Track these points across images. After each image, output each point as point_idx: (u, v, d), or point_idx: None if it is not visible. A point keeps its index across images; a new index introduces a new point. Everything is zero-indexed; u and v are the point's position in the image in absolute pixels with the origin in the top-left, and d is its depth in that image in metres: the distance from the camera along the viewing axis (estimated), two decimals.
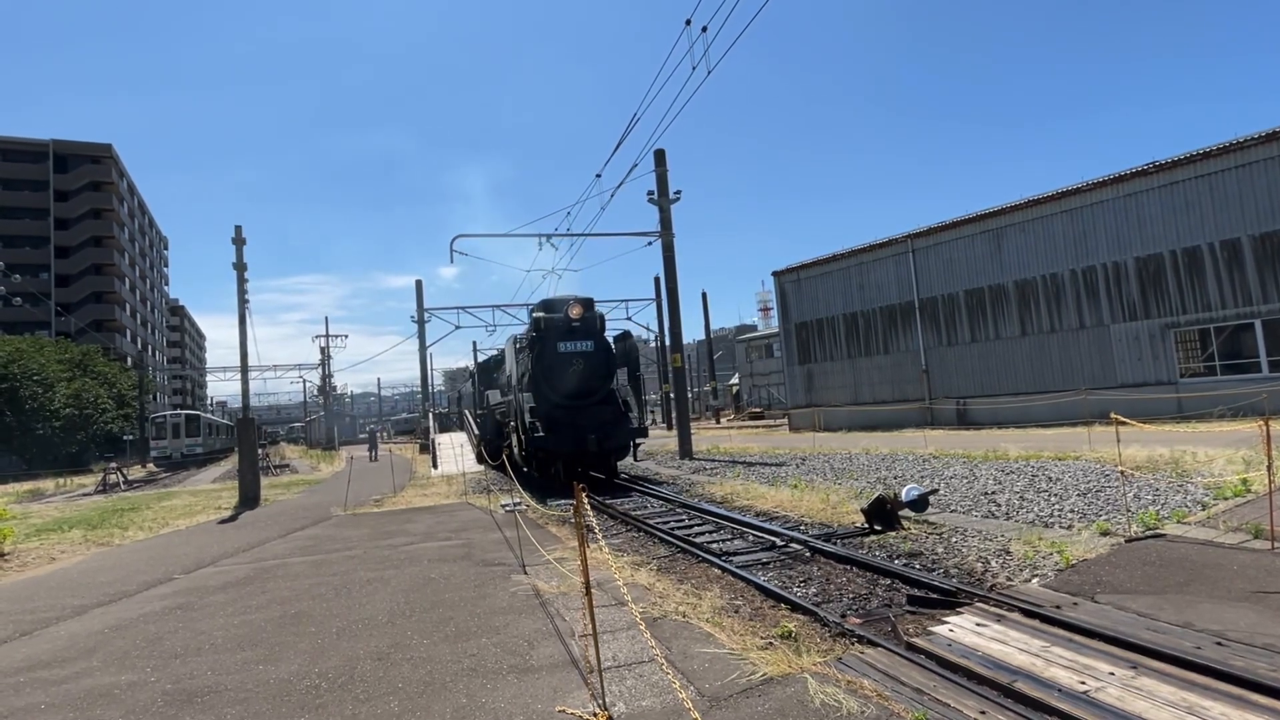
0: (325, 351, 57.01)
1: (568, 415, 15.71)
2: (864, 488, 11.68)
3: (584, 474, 16.20)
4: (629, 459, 18.57)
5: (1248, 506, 7.65)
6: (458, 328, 35.45)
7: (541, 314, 16.64)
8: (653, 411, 76.69)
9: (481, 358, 37.21)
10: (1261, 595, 4.94)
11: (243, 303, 18.74)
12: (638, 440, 16.83)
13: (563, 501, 14.07)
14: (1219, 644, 4.13)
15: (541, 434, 15.39)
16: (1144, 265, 21.00)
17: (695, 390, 66.22)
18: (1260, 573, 5.43)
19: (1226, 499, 8.19)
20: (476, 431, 25.71)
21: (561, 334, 16.15)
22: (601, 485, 15.64)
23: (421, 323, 36.92)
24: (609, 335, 17.55)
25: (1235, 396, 18.05)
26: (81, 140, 72.09)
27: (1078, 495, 9.30)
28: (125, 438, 56.85)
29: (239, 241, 18.66)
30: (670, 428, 38.37)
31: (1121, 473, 8.25)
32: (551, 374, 16.02)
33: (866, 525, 8.49)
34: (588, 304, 16.67)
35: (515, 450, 17.12)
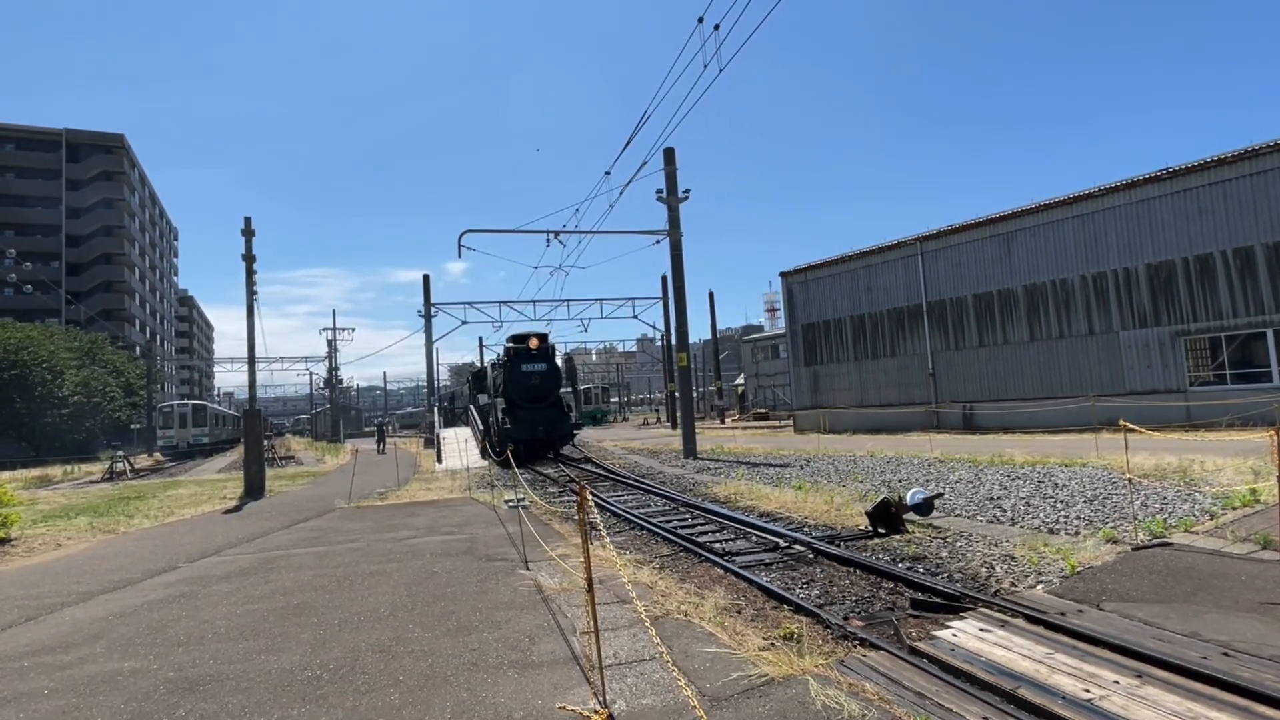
0: (332, 344, 57.17)
1: (526, 414, 22.79)
2: (868, 490, 11.64)
3: (540, 454, 22.92)
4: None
5: (1256, 517, 7.58)
6: (464, 323, 35.56)
7: (511, 344, 24.44)
8: (657, 410, 76.74)
9: (489, 355, 40.14)
10: (1269, 606, 4.89)
11: (251, 294, 18.81)
12: (574, 432, 25.41)
13: (524, 471, 18.78)
14: (1225, 654, 4.09)
15: (509, 426, 22.38)
16: (1155, 272, 20.86)
17: (700, 390, 66.17)
18: (1268, 584, 5.38)
19: (1235, 509, 8.12)
20: (480, 427, 27.25)
21: (524, 358, 23.63)
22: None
23: (429, 317, 36.93)
24: (559, 359, 25.38)
25: (1245, 405, 17.91)
26: (94, 130, 72.55)
27: (1084, 502, 9.24)
28: (133, 426, 57.22)
29: (248, 233, 18.74)
30: (675, 427, 38.34)
31: (1129, 480, 8.19)
32: (516, 385, 23.32)
33: (870, 528, 8.46)
34: (543, 338, 24.33)
35: (492, 436, 23.92)
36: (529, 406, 23.04)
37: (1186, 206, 20.25)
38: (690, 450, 20.92)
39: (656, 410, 77.04)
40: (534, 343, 23.78)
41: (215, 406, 55.38)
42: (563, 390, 24.99)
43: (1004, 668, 4.14)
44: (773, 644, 4.77)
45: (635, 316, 39.20)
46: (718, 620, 5.30)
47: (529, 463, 21.28)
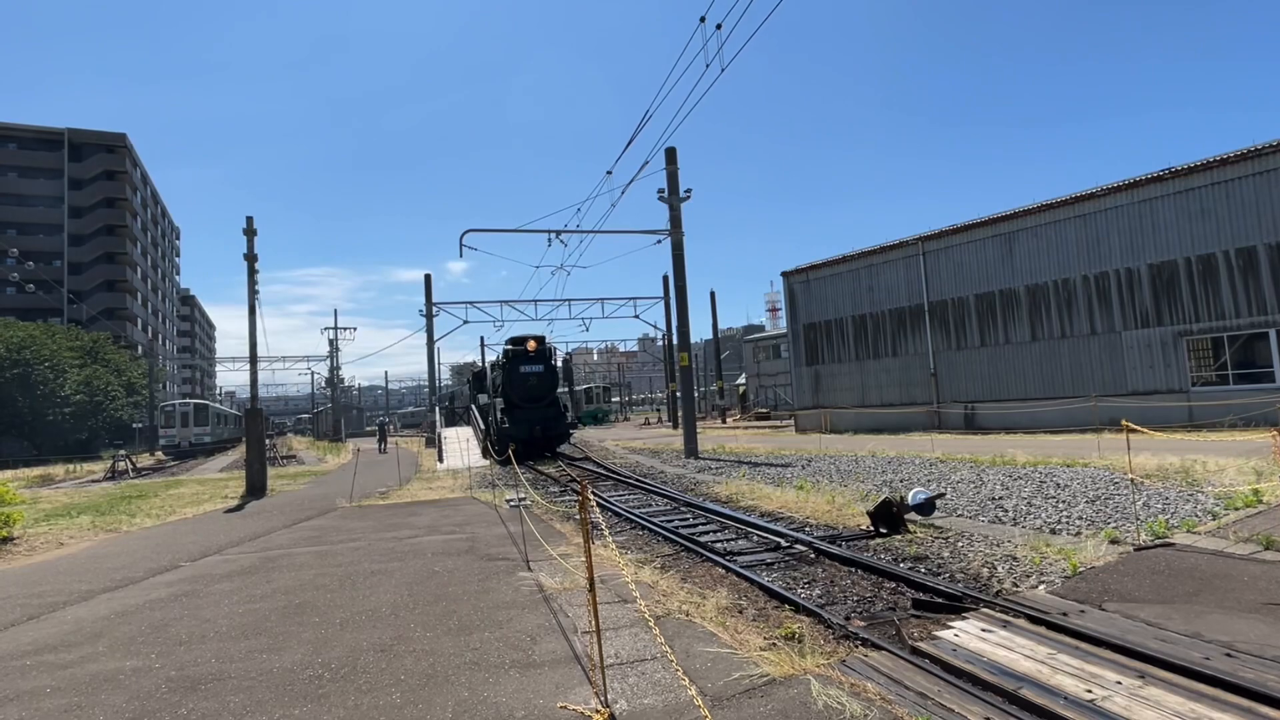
0: (334, 343, 57.23)
1: (524, 414, 23.54)
2: (870, 490, 11.62)
3: (539, 453, 23.43)
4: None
5: (1259, 517, 7.57)
6: (466, 322, 35.63)
7: (510, 346, 25.35)
8: (658, 410, 76.74)
9: (490, 355, 40.84)
10: (1272, 607, 4.88)
11: (253, 293, 18.83)
12: (571, 431, 26.17)
13: (525, 470, 19.26)
14: (1228, 655, 4.08)
15: (507, 425, 23.18)
16: (1157, 272, 20.82)
17: (702, 390, 66.14)
18: (1271, 584, 5.37)
19: (1237, 509, 8.10)
20: (481, 426, 27.56)
21: (523, 360, 24.40)
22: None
23: (430, 317, 36.98)
24: (557, 361, 26.33)
25: (1247, 406, 17.88)
26: (96, 129, 72.59)
27: (1086, 502, 9.23)
28: (134, 425, 57.29)
29: (250, 233, 18.75)
30: (676, 427, 38.33)
31: (1131, 480, 8.17)
32: (515, 386, 24.05)
33: (872, 528, 8.45)
34: (540, 340, 25.10)
35: (491, 436, 24.70)
36: (527, 406, 23.79)
37: (1189, 206, 20.21)
38: (691, 450, 20.92)
39: (658, 410, 77.01)
40: (532, 345, 24.67)
41: (217, 406, 55.35)
42: (560, 391, 25.81)
43: (1006, 668, 4.13)
44: (774, 644, 4.77)
45: (637, 316, 39.20)
46: (719, 620, 5.30)
47: (529, 462, 21.68)
